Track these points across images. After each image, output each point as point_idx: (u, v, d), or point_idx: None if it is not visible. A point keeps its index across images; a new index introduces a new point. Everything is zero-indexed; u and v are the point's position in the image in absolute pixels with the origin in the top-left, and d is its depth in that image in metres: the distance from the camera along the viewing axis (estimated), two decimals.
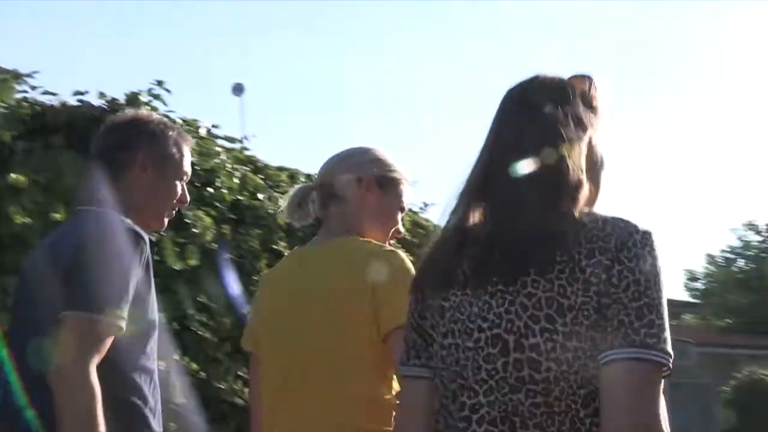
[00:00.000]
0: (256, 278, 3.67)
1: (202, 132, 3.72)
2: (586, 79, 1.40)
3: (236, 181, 3.73)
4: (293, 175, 4.19)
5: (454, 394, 1.27)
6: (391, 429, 1.65)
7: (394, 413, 1.66)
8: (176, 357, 3.25)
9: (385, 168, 1.98)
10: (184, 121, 3.62)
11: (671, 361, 1.19)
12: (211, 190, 3.59)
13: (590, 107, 1.36)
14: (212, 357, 3.41)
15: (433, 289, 1.33)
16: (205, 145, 3.65)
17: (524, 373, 1.20)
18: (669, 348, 1.19)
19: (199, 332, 3.36)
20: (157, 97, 3.52)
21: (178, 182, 1.94)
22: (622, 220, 1.25)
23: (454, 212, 1.37)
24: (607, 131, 1.40)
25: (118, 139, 1.91)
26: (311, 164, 4.33)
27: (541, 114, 1.31)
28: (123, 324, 1.68)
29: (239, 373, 3.47)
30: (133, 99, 3.44)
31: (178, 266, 3.30)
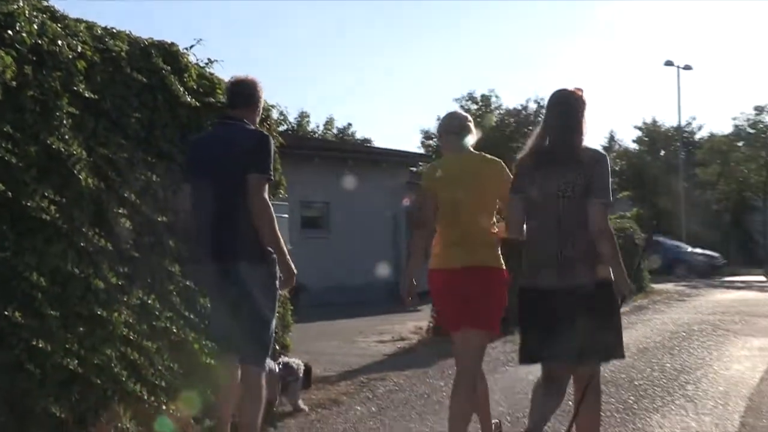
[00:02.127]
0: (58, 113, 4.04)
1: None
2: (580, 89, 3.75)
3: (35, 27, 3.99)
4: (90, 27, 4.45)
5: (548, 208, 3.63)
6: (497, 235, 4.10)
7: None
8: None
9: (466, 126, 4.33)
10: None
11: (612, 202, 3.65)
12: (11, 33, 3.83)
13: (584, 102, 3.76)
14: (21, 180, 3.79)
15: (529, 170, 3.72)
16: None
17: (574, 200, 3.59)
18: (611, 198, 3.64)
19: (5, 158, 3.72)
20: None
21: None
22: (595, 149, 3.74)
23: (536, 141, 3.77)
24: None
25: (250, 90, 4.15)
26: (109, 21, 4.59)
27: (573, 109, 3.74)
28: (271, 178, 3.96)
29: (45, 193, 3.88)
30: None
31: None
